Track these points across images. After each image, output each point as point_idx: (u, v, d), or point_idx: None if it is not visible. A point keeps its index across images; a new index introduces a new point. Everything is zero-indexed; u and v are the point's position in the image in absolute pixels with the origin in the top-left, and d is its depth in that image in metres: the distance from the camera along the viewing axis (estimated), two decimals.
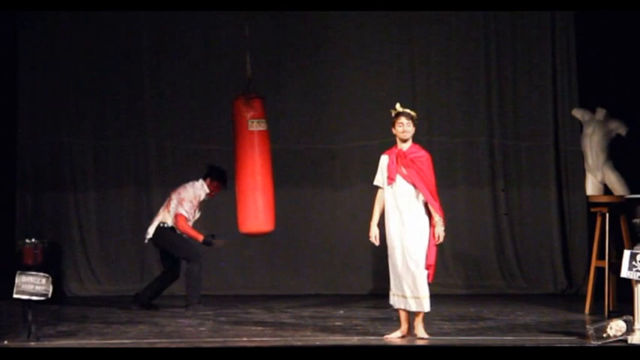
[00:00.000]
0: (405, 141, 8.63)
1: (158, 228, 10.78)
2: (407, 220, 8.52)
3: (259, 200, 10.20)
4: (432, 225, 8.54)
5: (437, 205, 8.53)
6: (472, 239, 12.45)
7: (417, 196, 8.53)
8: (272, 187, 10.30)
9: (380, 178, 8.71)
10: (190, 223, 10.77)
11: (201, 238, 10.70)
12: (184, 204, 10.74)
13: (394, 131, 8.66)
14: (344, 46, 12.55)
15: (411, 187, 8.55)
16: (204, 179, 10.89)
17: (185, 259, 10.77)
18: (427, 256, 8.50)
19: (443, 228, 8.53)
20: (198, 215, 10.91)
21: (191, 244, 10.78)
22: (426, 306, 8.49)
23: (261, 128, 10.23)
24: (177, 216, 10.72)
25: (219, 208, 11.55)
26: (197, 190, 10.84)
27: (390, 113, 8.68)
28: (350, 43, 12.56)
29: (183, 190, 10.83)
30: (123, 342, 8.57)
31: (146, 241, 10.91)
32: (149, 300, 10.83)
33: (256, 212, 10.22)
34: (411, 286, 8.48)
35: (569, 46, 12.42)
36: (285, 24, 12.40)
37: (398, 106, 8.69)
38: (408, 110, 8.65)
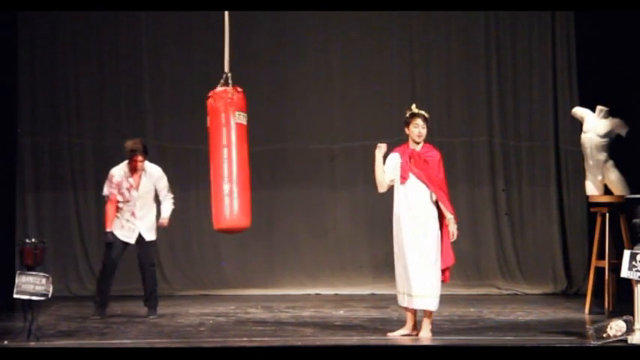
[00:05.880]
0: (418, 142, 8.64)
1: None
2: (419, 217, 8.51)
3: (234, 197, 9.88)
4: (444, 224, 8.55)
5: (449, 203, 8.54)
6: (472, 239, 12.45)
7: (429, 195, 8.54)
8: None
9: (389, 171, 8.62)
10: (120, 206, 10.02)
11: (107, 228, 9.99)
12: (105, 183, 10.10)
13: (408, 132, 8.64)
14: (344, 46, 12.56)
15: (424, 186, 8.55)
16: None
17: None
18: (444, 258, 8.52)
19: (456, 226, 8.54)
20: (127, 199, 10.06)
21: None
22: (433, 304, 8.49)
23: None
24: None
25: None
26: (114, 170, 10.09)
27: (405, 113, 8.68)
28: (350, 43, 12.56)
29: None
30: (123, 342, 8.57)
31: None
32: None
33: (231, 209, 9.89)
34: (420, 283, 8.46)
35: (569, 46, 12.42)
36: (285, 23, 12.40)
37: (414, 107, 8.69)
38: (423, 112, 8.65)
